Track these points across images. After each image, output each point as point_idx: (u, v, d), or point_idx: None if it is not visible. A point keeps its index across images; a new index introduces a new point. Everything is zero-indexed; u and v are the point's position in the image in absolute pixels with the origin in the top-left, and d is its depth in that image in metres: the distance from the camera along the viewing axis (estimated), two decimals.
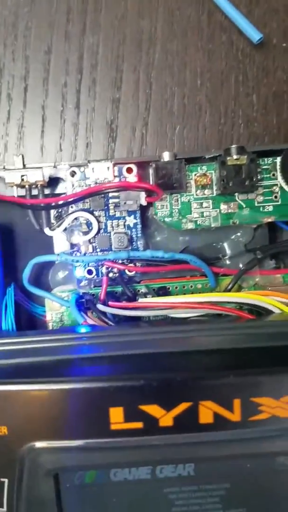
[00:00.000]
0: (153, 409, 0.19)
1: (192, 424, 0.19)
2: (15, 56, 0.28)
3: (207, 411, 0.19)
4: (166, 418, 0.19)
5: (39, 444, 0.19)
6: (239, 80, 0.28)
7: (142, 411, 0.19)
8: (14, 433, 0.19)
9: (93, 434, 0.19)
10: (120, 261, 0.25)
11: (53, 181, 0.26)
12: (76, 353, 0.20)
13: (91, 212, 0.25)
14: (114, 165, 0.24)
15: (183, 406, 0.19)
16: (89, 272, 0.25)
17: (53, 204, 0.23)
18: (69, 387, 0.19)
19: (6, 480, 0.19)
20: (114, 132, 0.28)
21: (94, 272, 0.25)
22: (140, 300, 0.24)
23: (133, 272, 0.25)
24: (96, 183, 0.24)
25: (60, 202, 0.23)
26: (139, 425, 0.19)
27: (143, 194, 0.24)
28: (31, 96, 0.28)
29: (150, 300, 0.24)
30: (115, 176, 0.24)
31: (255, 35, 0.26)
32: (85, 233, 0.25)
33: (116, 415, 0.19)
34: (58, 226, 0.25)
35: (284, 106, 0.28)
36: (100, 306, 0.24)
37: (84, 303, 0.24)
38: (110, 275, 0.25)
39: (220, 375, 0.19)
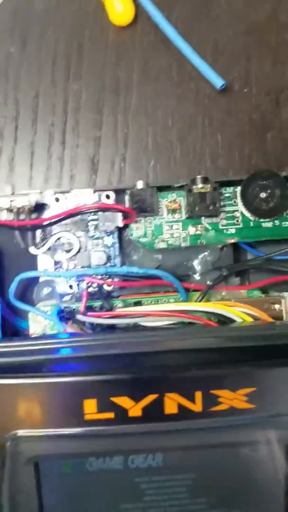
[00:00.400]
0: (123, 401, 0.21)
1: (158, 414, 0.21)
2: (7, 100, 0.32)
3: (171, 402, 0.21)
4: (135, 409, 0.21)
5: (20, 433, 0.21)
6: (205, 122, 0.32)
7: (113, 402, 0.21)
8: None
9: (70, 423, 0.21)
10: (99, 277, 0.28)
11: (40, 207, 0.28)
12: (55, 353, 0.22)
13: (73, 233, 0.28)
14: (94, 191, 0.28)
15: (150, 398, 0.21)
16: (71, 287, 0.28)
17: (37, 225, 0.26)
18: (48, 381, 0.21)
19: None
20: (95, 165, 0.32)
21: (76, 287, 0.28)
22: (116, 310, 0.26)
23: (111, 287, 0.28)
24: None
25: (45, 223, 0.26)
26: (110, 415, 0.21)
27: (120, 216, 0.27)
28: (21, 134, 0.32)
29: (125, 309, 0.26)
30: (94, 202, 0.28)
31: (218, 82, 0.30)
32: (67, 251, 0.28)
33: (90, 406, 0.21)
34: (43, 246, 0.28)
35: (245, 144, 0.32)
36: (79, 316, 0.26)
37: (65, 315, 0.27)
38: (90, 289, 0.28)
39: (183, 370, 0.21)
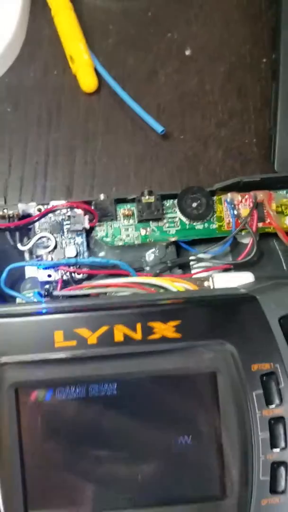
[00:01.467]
0: (83, 332, 0.28)
1: (109, 341, 0.28)
2: (4, 148, 0.42)
3: (119, 332, 0.28)
4: (92, 338, 0.28)
5: (4, 359, 0.27)
6: (153, 159, 0.43)
7: (75, 333, 0.28)
8: None
9: (43, 350, 0.28)
10: (71, 267, 0.36)
11: (26, 216, 0.37)
12: (34, 305, 0.30)
13: (51, 234, 0.36)
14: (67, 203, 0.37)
15: (103, 329, 0.28)
16: (49, 276, 0.36)
17: (23, 225, 0.35)
18: (27, 319, 0.28)
19: None
20: (70, 191, 0.41)
21: (53, 275, 0.36)
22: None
23: (81, 275, 0.36)
24: (54, 214, 0.36)
25: (30, 221, 0.35)
26: (73, 343, 0.28)
27: (86, 219, 0.36)
28: (14, 169, 0.41)
29: (91, 283, 0.34)
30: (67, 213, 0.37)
31: (159, 128, 0.41)
32: (46, 247, 0.36)
33: (59, 336, 0.28)
34: (28, 243, 0.36)
35: (183, 174, 0.42)
36: (55, 292, 0.34)
37: (44, 294, 0.34)
38: (64, 277, 0.36)
39: (127, 308, 0.29)
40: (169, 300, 0.30)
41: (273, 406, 0.28)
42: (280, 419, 0.28)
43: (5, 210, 0.36)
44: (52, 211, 0.36)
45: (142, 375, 0.29)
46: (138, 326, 0.28)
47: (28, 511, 0.28)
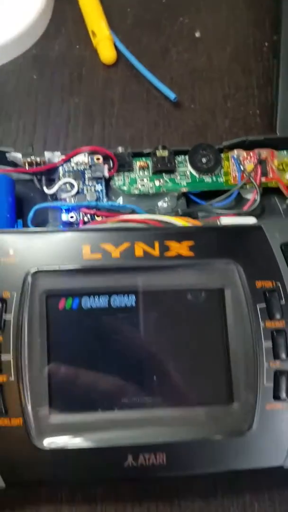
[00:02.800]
0: (108, 246, 0.31)
1: (131, 256, 0.31)
2: (30, 110, 0.46)
3: (139, 248, 0.31)
4: (115, 252, 0.31)
5: (38, 268, 0.30)
6: (166, 125, 0.47)
7: (101, 247, 0.31)
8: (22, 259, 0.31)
9: (73, 261, 0.31)
10: (91, 210, 0.39)
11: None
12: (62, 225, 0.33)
13: (74, 179, 0.40)
14: (89, 154, 0.40)
15: (125, 245, 0.31)
16: (72, 217, 0.39)
17: (49, 170, 0.39)
18: (59, 234, 0.32)
19: (15, 293, 0.30)
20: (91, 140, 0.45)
21: (75, 217, 0.39)
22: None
23: (100, 217, 0.39)
24: (76, 164, 0.40)
25: (57, 165, 0.38)
26: (99, 256, 0.31)
27: (106, 168, 0.40)
28: (40, 127, 0.45)
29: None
30: (89, 162, 0.40)
31: (172, 95, 0.45)
32: (69, 192, 0.39)
33: (86, 250, 0.31)
34: (53, 187, 0.39)
35: (193, 141, 0.46)
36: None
37: None
38: (85, 219, 0.39)
39: (146, 229, 0.32)
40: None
41: (275, 319, 0.31)
42: (282, 331, 0.31)
43: (33, 157, 0.40)
44: (75, 160, 0.40)
45: (159, 288, 0.32)
46: (156, 244, 0.32)
47: (52, 410, 0.31)
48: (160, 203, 0.41)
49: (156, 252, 0.32)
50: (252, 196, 0.41)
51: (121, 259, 0.31)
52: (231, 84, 0.49)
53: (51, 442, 0.29)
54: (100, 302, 0.32)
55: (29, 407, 0.30)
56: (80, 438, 0.30)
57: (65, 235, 0.32)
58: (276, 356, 0.31)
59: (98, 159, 0.41)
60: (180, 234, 0.32)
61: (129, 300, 0.32)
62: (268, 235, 0.32)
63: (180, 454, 0.30)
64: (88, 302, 0.32)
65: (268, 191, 0.42)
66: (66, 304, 0.32)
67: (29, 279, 0.31)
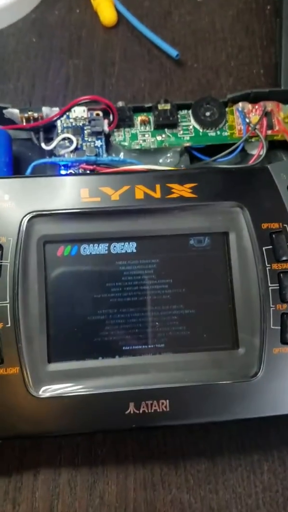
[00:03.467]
0: (107, 190, 0.30)
1: (131, 198, 0.30)
2: (27, 72, 0.45)
3: (140, 191, 0.30)
4: (115, 195, 0.30)
5: (34, 214, 0.29)
6: (168, 83, 0.45)
7: (100, 190, 0.30)
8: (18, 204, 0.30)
9: (70, 204, 0.30)
10: (91, 165, 0.38)
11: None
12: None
13: (73, 135, 0.39)
14: (88, 109, 0.39)
15: (125, 188, 0.30)
16: (70, 173, 0.38)
17: (47, 124, 0.37)
18: (56, 178, 0.30)
19: (11, 239, 0.29)
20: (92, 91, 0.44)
21: (74, 173, 0.38)
22: None
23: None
24: (75, 119, 0.39)
25: (53, 119, 0.37)
26: (98, 199, 0.30)
27: (106, 123, 0.39)
28: (38, 87, 0.44)
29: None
30: (88, 117, 0.39)
31: (174, 52, 0.44)
32: (68, 148, 0.38)
33: (84, 193, 0.30)
34: (51, 143, 0.38)
35: (196, 96, 0.44)
36: None
37: None
38: None
39: (147, 172, 0.31)
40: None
41: (282, 260, 0.30)
42: None
43: (30, 112, 0.39)
44: (74, 115, 0.39)
45: (160, 233, 0.31)
46: (157, 186, 0.30)
47: (50, 358, 0.29)
48: (162, 159, 0.40)
49: (157, 194, 0.30)
50: (258, 150, 0.39)
51: (121, 202, 0.30)
52: (234, 44, 0.48)
53: (48, 389, 0.28)
54: (100, 248, 0.31)
55: (26, 355, 0.28)
56: (79, 385, 0.28)
57: (62, 179, 0.30)
58: (283, 298, 0.29)
59: (97, 114, 0.40)
60: (182, 176, 0.31)
61: (129, 246, 0.31)
62: (274, 176, 0.31)
63: (184, 400, 0.28)
64: (87, 249, 0.31)
65: (274, 146, 0.41)
66: (64, 251, 0.31)
67: (25, 224, 0.30)
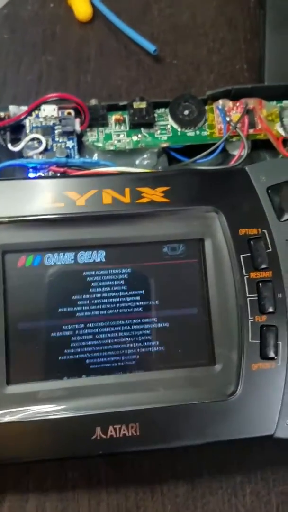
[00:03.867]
0: (72, 194, 0.28)
1: (98, 203, 0.28)
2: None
3: (107, 196, 0.28)
4: (80, 200, 0.28)
5: None
6: (146, 81, 0.43)
7: (64, 195, 0.28)
8: None
9: (32, 211, 0.27)
10: (62, 168, 0.36)
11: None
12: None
13: (42, 135, 0.36)
14: (59, 108, 0.37)
15: (92, 192, 0.28)
16: (39, 177, 0.36)
17: (14, 123, 0.35)
18: (15, 182, 0.28)
19: None
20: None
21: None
22: None
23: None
24: (45, 118, 0.37)
25: (21, 118, 0.35)
26: (62, 204, 0.28)
27: (78, 122, 0.36)
28: (10, 83, 0.42)
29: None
30: (59, 115, 0.37)
31: (151, 47, 0.42)
32: (37, 149, 0.36)
33: (48, 198, 0.28)
34: (19, 145, 0.36)
35: (176, 94, 0.42)
36: None
37: None
38: None
39: (116, 175, 0.28)
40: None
41: (261, 269, 0.28)
42: (268, 282, 0.27)
43: None
44: (43, 114, 0.36)
45: (132, 241, 0.28)
46: (127, 190, 0.28)
47: (9, 379, 0.27)
48: (138, 161, 0.38)
49: (126, 199, 0.28)
50: (239, 150, 0.37)
51: (87, 207, 0.28)
52: (216, 39, 0.45)
53: (6, 414, 0.26)
54: (65, 258, 0.28)
55: None
56: (41, 409, 0.26)
57: (22, 183, 0.28)
58: (262, 309, 0.27)
59: (69, 113, 0.37)
60: (153, 179, 0.28)
61: (98, 255, 0.29)
62: (252, 178, 0.29)
63: (155, 423, 0.26)
64: (51, 258, 0.28)
65: (257, 146, 0.39)
66: (26, 261, 0.28)
67: None
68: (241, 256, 0.27)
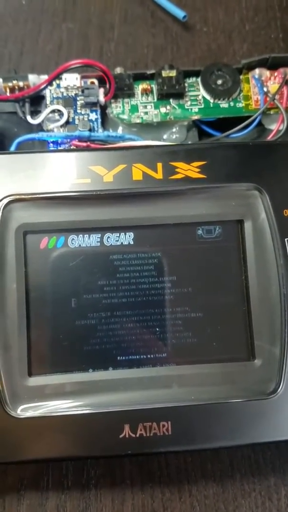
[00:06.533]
0: (99, 169, 0.25)
1: (127, 180, 0.25)
2: (19, 33, 0.40)
3: (138, 171, 0.25)
4: (108, 175, 0.25)
5: (11, 198, 0.25)
6: (174, 50, 0.40)
7: (90, 170, 0.25)
8: None
9: (54, 188, 0.25)
10: (84, 142, 0.33)
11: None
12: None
13: (63, 107, 0.34)
14: (82, 78, 0.34)
15: (120, 167, 0.25)
16: (63, 150, 0.33)
17: (35, 93, 0.32)
18: (36, 155, 0.26)
19: None
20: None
21: None
22: None
23: None
24: (66, 89, 0.34)
25: (41, 88, 0.32)
26: (88, 180, 0.25)
27: (102, 92, 0.34)
28: (25, 59, 0.39)
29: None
30: (81, 85, 0.34)
31: (181, 13, 0.39)
32: (58, 121, 0.33)
33: (72, 174, 0.25)
34: (38, 117, 0.33)
35: (206, 64, 0.39)
36: None
37: None
38: None
39: (147, 148, 0.26)
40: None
41: None
42: None
43: (15, 81, 0.33)
44: (65, 83, 0.33)
45: (163, 222, 0.26)
46: (159, 165, 0.25)
47: (30, 370, 0.25)
48: (166, 135, 0.35)
49: (158, 175, 0.25)
50: (277, 124, 0.34)
51: (115, 184, 0.25)
52: (249, 5, 0.42)
53: (28, 408, 0.24)
54: (91, 240, 0.26)
55: (2, 366, 0.24)
56: (64, 403, 0.24)
57: (44, 157, 0.26)
58: None
59: (92, 82, 0.34)
60: (189, 152, 0.26)
61: (126, 237, 0.26)
62: None
63: (189, 422, 0.24)
64: (76, 240, 0.26)
65: None
66: (48, 243, 0.26)
67: (1, 210, 0.25)
68: (286, 239, 0.25)
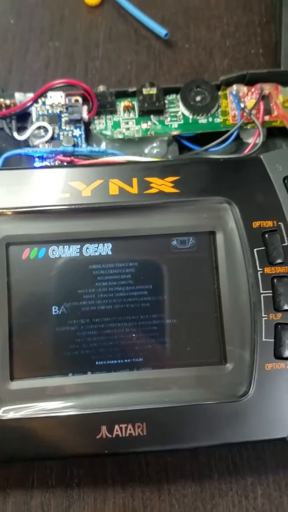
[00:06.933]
0: (77, 184, 0.27)
1: (104, 194, 0.27)
2: (6, 56, 0.42)
3: (114, 186, 0.27)
4: (86, 190, 0.27)
5: None
6: (157, 66, 0.42)
7: (69, 185, 0.27)
8: None
9: (36, 201, 0.26)
10: (68, 157, 0.35)
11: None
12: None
13: (48, 124, 0.35)
14: (66, 96, 0.36)
15: (98, 182, 0.27)
16: (46, 166, 0.35)
17: (20, 111, 0.34)
18: (19, 172, 0.27)
19: None
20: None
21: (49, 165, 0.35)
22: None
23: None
24: (51, 106, 0.36)
25: (27, 105, 0.34)
26: (67, 195, 0.27)
27: (85, 110, 0.35)
28: (16, 69, 0.41)
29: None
30: (66, 103, 0.36)
31: (162, 31, 0.40)
32: (43, 137, 0.35)
33: (51, 189, 0.27)
34: (24, 133, 0.35)
35: (188, 80, 0.41)
36: None
37: None
38: None
39: (123, 164, 0.27)
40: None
41: (276, 263, 0.26)
42: (284, 278, 0.26)
43: (1, 99, 0.35)
44: (50, 101, 0.35)
45: (139, 233, 0.27)
46: (134, 180, 0.27)
47: (13, 375, 0.26)
48: (148, 150, 0.36)
49: (134, 189, 0.27)
50: (254, 138, 0.36)
51: (93, 198, 0.27)
52: (230, 22, 0.44)
53: (10, 410, 0.25)
54: (71, 250, 0.27)
55: None
56: (45, 406, 0.25)
57: (26, 173, 0.27)
58: (277, 307, 0.26)
59: (76, 100, 0.36)
60: (162, 168, 0.27)
61: (104, 248, 0.27)
62: (268, 168, 0.27)
63: (163, 423, 0.25)
64: (56, 251, 0.27)
65: (273, 133, 0.37)
66: (30, 254, 0.27)
67: None
68: (255, 250, 0.26)
